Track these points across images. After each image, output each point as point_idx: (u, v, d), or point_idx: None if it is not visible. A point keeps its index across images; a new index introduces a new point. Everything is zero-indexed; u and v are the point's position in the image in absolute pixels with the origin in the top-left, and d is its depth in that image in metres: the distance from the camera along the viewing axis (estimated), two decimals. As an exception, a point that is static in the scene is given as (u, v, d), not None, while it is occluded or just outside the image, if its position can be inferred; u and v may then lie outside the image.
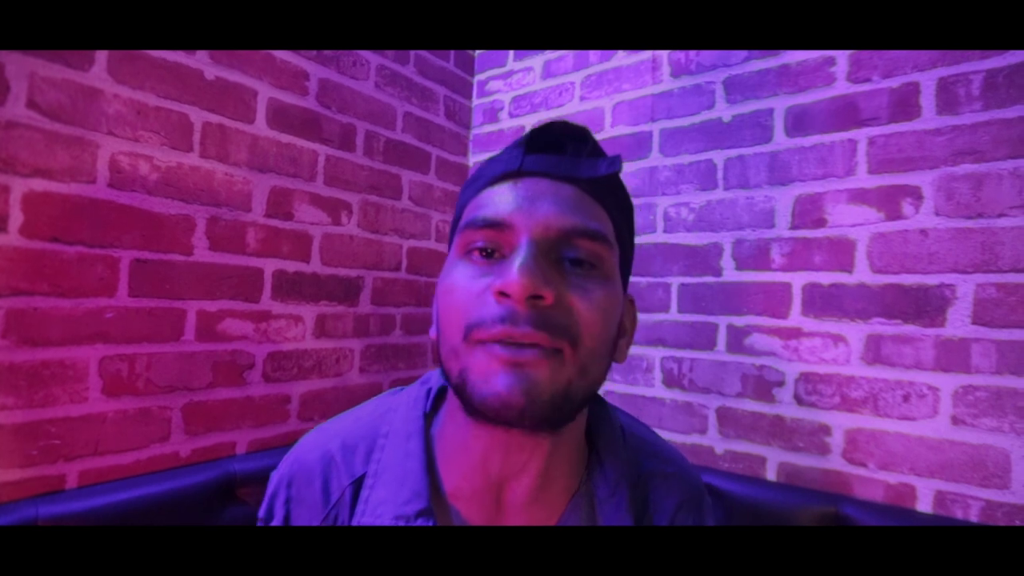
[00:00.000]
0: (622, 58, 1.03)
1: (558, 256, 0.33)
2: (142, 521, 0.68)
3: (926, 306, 0.70)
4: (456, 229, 0.38)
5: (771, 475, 0.81)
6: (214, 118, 0.78)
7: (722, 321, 0.88)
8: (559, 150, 0.35)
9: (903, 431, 0.71)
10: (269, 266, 0.85)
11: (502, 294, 0.30)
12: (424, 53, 1.14)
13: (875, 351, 0.73)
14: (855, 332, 0.74)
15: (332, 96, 0.95)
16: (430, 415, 0.42)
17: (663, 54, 0.98)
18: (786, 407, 0.80)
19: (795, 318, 0.80)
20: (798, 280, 0.80)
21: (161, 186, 0.73)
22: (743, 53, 0.88)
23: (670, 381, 0.92)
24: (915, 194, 0.72)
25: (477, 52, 1.28)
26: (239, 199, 0.82)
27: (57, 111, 0.64)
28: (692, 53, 0.94)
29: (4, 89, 0.60)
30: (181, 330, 0.75)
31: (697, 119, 0.92)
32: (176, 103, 0.74)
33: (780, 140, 0.82)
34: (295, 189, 0.89)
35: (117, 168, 0.69)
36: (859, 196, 0.75)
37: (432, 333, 0.40)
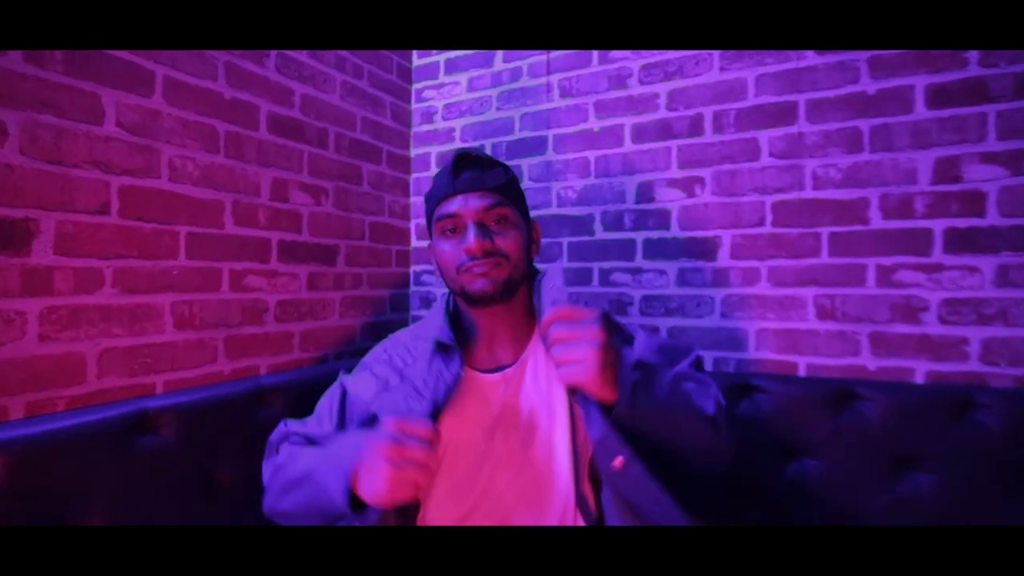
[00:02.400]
0: (525, 81, 1.41)
1: (486, 224, 0.72)
2: (205, 416, 0.98)
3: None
4: (432, 221, 0.78)
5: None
6: (232, 128, 1.06)
7: (871, 262, 1.06)
8: (472, 167, 0.74)
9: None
10: (274, 237, 1.15)
11: (468, 251, 0.70)
12: (374, 68, 1.44)
13: (1003, 276, 0.95)
14: (987, 265, 0.96)
15: (311, 107, 1.24)
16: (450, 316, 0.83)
17: (554, 79, 1.38)
18: (931, 327, 1.01)
19: (937, 255, 1.00)
20: (939, 226, 1.00)
21: (201, 179, 1.01)
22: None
23: (823, 315, 1.09)
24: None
25: (414, 64, 1.60)
26: (252, 187, 1.10)
27: (134, 128, 0.90)
28: (572, 79, 1.35)
29: (101, 114, 0.86)
30: (220, 283, 1.04)
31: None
32: (207, 118, 1.02)
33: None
34: (289, 179, 1.19)
35: (173, 167, 0.96)
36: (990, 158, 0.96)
37: (436, 273, 0.80)
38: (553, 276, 0.77)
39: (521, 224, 0.77)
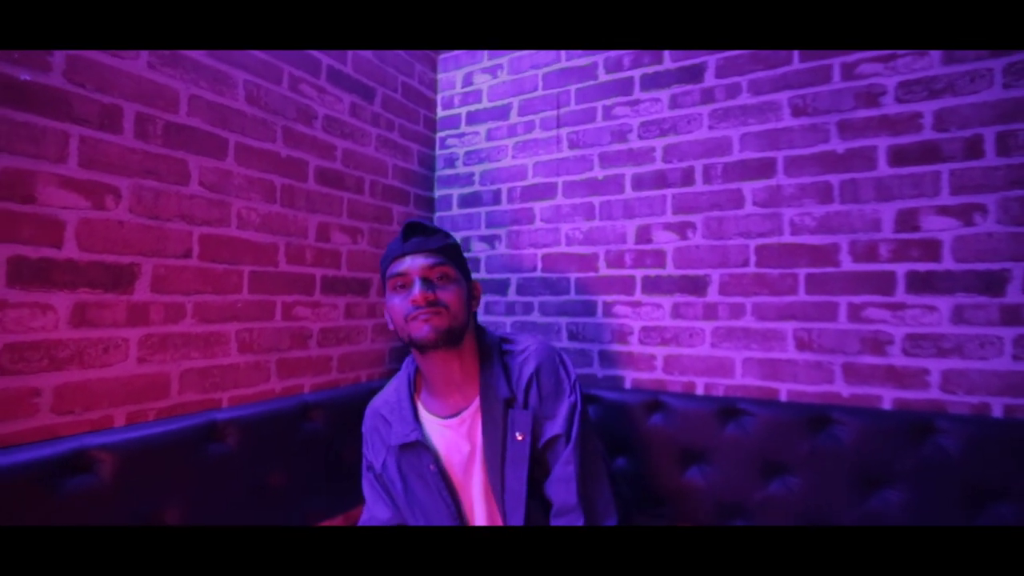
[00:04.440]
0: (538, 133, 1.59)
1: (430, 279, 0.88)
2: (261, 425, 1.14)
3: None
4: (385, 280, 0.91)
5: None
6: (286, 181, 1.25)
7: (842, 300, 1.19)
8: (419, 234, 0.89)
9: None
10: (318, 272, 1.33)
11: (414, 301, 0.84)
12: (404, 122, 1.64)
13: (959, 315, 1.08)
14: (944, 304, 1.08)
15: (350, 159, 1.43)
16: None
17: (563, 132, 1.55)
18: (896, 358, 1.13)
19: (900, 295, 1.13)
20: (901, 269, 1.13)
21: (261, 226, 1.19)
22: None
23: (801, 346, 1.23)
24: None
25: (439, 116, 1.79)
26: (301, 231, 1.29)
27: (212, 186, 1.09)
28: (579, 133, 1.52)
29: (188, 177, 1.05)
30: (274, 313, 1.22)
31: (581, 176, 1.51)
32: (266, 174, 1.21)
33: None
34: (331, 222, 1.37)
35: (240, 216, 1.15)
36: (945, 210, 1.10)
37: (390, 325, 0.92)
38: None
39: (462, 281, 0.90)
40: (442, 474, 0.88)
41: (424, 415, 0.93)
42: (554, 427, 0.87)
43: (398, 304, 0.87)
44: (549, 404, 0.88)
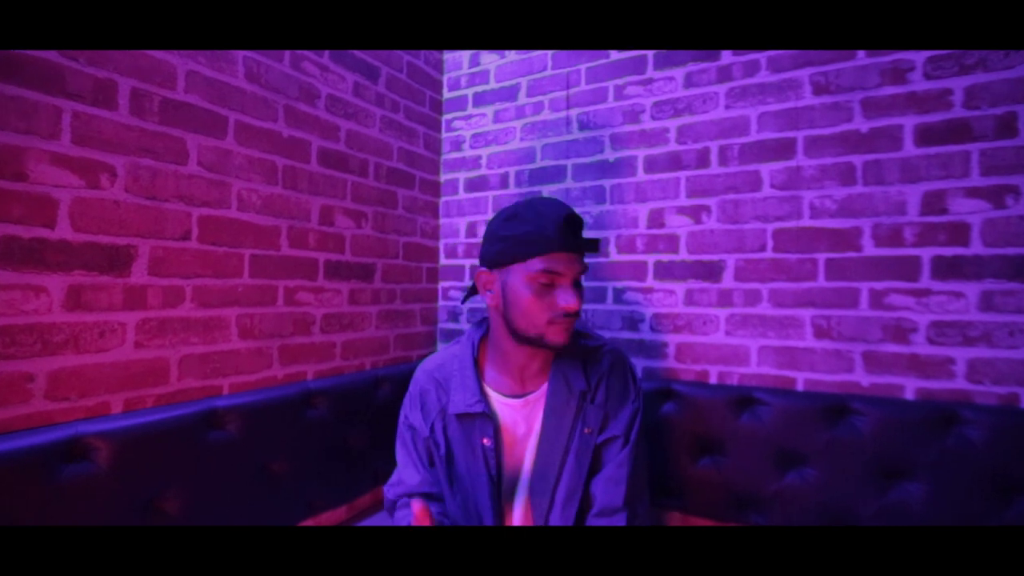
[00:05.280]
0: (547, 114, 1.54)
1: (580, 284, 0.82)
2: (263, 412, 1.11)
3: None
4: (524, 265, 0.77)
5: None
6: (288, 162, 1.21)
7: (864, 286, 1.15)
8: (579, 230, 0.78)
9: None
10: (321, 257, 1.30)
11: (569, 309, 0.76)
12: (409, 103, 1.59)
13: (987, 302, 1.02)
14: (972, 291, 1.04)
15: (354, 141, 1.39)
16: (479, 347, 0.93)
17: (573, 113, 1.50)
18: (920, 347, 1.09)
19: (925, 281, 1.09)
20: (927, 254, 1.09)
21: (263, 208, 1.15)
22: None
23: (819, 334, 1.19)
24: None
25: (445, 98, 1.74)
26: (303, 214, 1.25)
27: (211, 166, 1.05)
28: (590, 114, 1.47)
29: (186, 155, 1.01)
30: (276, 298, 1.19)
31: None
32: (269, 154, 1.17)
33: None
34: (334, 205, 1.33)
35: (240, 198, 1.11)
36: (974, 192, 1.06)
37: (508, 311, 0.81)
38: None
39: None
40: (497, 449, 0.86)
41: (486, 389, 0.89)
42: (615, 427, 0.86)
43: (539, 303, 0.77)
44: (614, 404, 0.88)
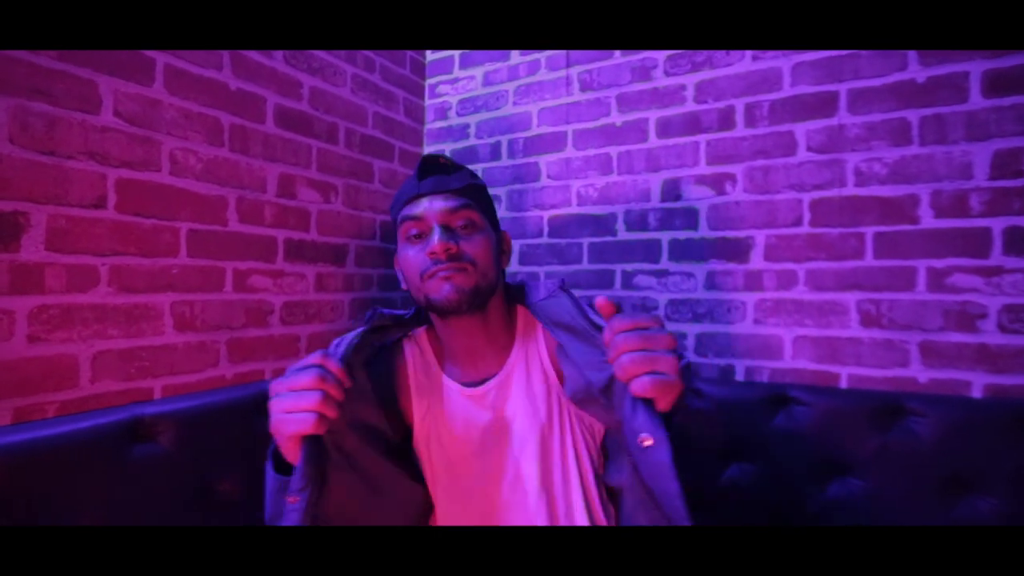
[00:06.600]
0: (543, 74, 1.35)
1: (452, 227, 0.66)
2: (205, 423, 0.92)
3: None
4: (397, 226, 0.72)
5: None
6: (237, 120, 1.01)
7: (921, 264, 0.97)
8: (438, 172, 0.70)
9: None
10: (280, 235, 1.10)
11: (432, 253, 0.65)
12: (386, 62, 1.39)
13: None
14: None
15: (320, 101, 1.19)
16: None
17: (573, 72, 1.31)
18: (990, 336, 0.92)
19: (996, 257, 0.91)
20: (998, 225, 0.91)
21: (204, 174, 0.96)
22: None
23: (867, 322, 1.00)
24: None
25: (428, 59, 1.54)
26: (257, 183, 1.05)
27: (133, 118, 0.85)
28: (593, 72, 1.28)
29: (98, 103, 0.81)
30: (223, 283, 0.99)
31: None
32: (211, 109, 0.97)
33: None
34: (296, 175, 1.14)
35: (174, 160, 0.91)
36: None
37: (403, 284, 0.74)
38: (562, 300, 0.70)
39: (489, 231, 0.72)
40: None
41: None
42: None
43: (412, 257, 0.69)
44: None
